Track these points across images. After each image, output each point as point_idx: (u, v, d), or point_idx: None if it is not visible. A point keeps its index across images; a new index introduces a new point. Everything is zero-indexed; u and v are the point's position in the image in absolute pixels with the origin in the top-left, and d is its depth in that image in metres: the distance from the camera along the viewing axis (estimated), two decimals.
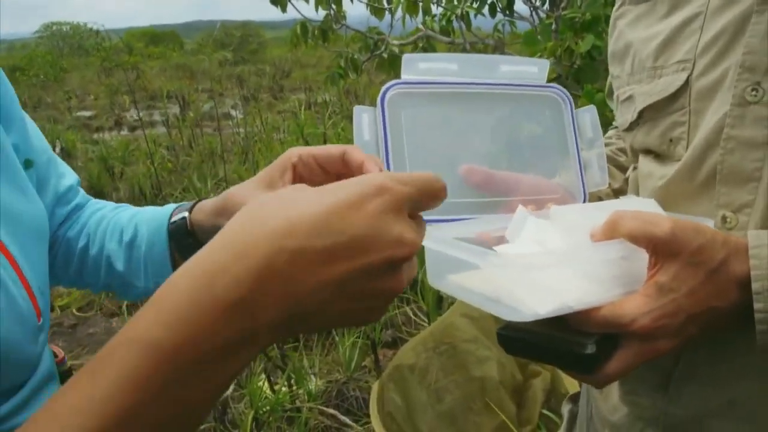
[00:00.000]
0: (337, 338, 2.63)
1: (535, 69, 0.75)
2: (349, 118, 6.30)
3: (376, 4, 3.69)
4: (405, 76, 0.68)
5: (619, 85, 0.83)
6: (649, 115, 0.76)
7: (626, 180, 0.89)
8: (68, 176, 0.80)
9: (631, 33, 0.81)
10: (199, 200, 0.71)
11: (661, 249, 0.57)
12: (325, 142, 4.18)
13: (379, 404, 1.78)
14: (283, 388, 2.36)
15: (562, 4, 2.75)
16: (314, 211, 0.39)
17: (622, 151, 0.92)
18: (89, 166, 6.00)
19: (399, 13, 3.63)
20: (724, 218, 0.67)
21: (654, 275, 0.58)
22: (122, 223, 0.74)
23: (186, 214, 0.69)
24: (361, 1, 3.66)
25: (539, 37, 2.82)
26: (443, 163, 0.69)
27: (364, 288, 0.40)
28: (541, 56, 2.69)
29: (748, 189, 0.65)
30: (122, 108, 9.32)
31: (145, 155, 5.46)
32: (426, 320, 2.78)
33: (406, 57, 0.68)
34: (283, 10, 3.76)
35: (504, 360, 1.70)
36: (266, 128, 6.34)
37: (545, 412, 1.59)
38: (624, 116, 0.81)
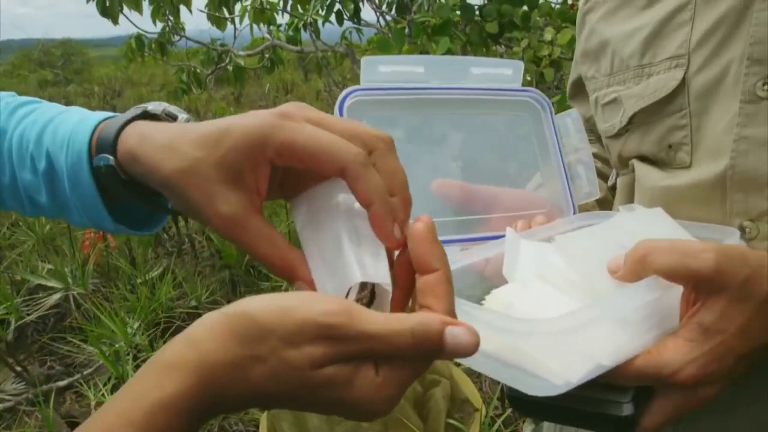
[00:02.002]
0: None
1: (509, 71, 0.67)
2: None
3: (216, 14, 3.52)
4: (365, 81, 0.60)
5: (598, 86, 0.76)
6: (641, 119, 0.69)
7: (610, 188, 0.81)
8: None
9: (607, 28, 0.74)
10: (127, 123, 0.48)
11: (703, 285, 0.49)
12: None
13: None
14: None
15: (414, 8, 2.76)
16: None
17: (596, 156, 0.84)
18: None
19: (240, 23, 3.50)
20: (741, 228, 0.60)
21: (695, 314, 0.49)
22: (29, 146, 0.54)
23: (111, 160, 0.47)
24: (202, 11, 3.47)
25: (392, 42, 2.82)
26: (412, 179, 0.60)
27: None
28: None
29: (767, 194, 0.59)
30: None
31: None
32: None
33: (365, 60, 0.60)
34: (115, 22, 3.47)
35: None
36: None
37: (450, 421, 1.54)
38: (609, 121, 0.73)
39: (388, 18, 3.31)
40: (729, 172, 0.60)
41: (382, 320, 0.36)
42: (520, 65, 0.67)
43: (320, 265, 0.42)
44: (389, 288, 0.40)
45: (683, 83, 0.65)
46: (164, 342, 2.41)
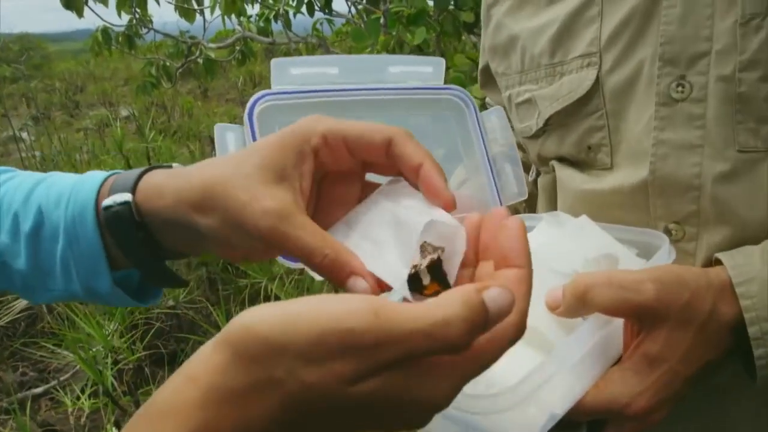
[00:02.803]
0: None
1: (429, 69, 0.63)
2: (167, 131, 5.88)
3: (185, 5, 3.43)
4: (276, 85, 0.57)
5: (510, 84, 0.73)
6: (558, 121, 0.67)
7: (532, 182, 0.79)
8: None
9: (514, 24, 0.71)
10: (146, 170, 0.48)
11: (646, 316, 0.49)
12: (148, 160, 3.81)
13: None
14: None
15: None
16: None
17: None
18: None
19: (210, 15, 3.42)
20: (667, 230, 0.60)
21: (640, 345, 0.49)
22: (13, 206, 0.51)
23: (128, 197, 0.46)
24: (170, 2, 3.38)
25: (366, 32, 2.79)
26: None
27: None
28: (371, 51, 2.65)
29: (688, 198, 0.58)
30: None
31: None
32: None
33: (275, 62, 0.57)
34: (80, 14, 3.37)
35: None
36: (65, 148, 5.73)
37: None
38: (525, 122, 0.71)
39: (360, 8, 3.27)
40: (650, 177, 0.59)
41: (420, 312, 0.29)
42: (442, 62, 0.63)
43: (374, 252, 0.39)
44: (461, 227, 0.37)
45: (597, 83, 0.63)
46: (144, 346, 2.34)
